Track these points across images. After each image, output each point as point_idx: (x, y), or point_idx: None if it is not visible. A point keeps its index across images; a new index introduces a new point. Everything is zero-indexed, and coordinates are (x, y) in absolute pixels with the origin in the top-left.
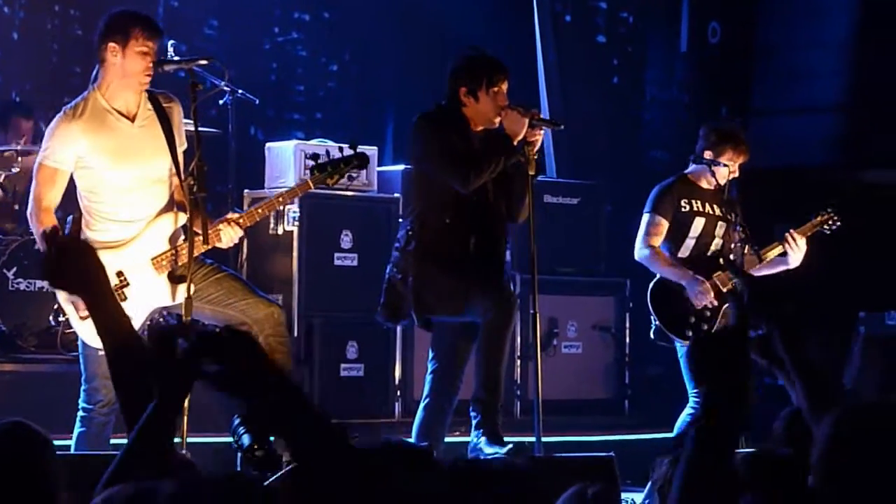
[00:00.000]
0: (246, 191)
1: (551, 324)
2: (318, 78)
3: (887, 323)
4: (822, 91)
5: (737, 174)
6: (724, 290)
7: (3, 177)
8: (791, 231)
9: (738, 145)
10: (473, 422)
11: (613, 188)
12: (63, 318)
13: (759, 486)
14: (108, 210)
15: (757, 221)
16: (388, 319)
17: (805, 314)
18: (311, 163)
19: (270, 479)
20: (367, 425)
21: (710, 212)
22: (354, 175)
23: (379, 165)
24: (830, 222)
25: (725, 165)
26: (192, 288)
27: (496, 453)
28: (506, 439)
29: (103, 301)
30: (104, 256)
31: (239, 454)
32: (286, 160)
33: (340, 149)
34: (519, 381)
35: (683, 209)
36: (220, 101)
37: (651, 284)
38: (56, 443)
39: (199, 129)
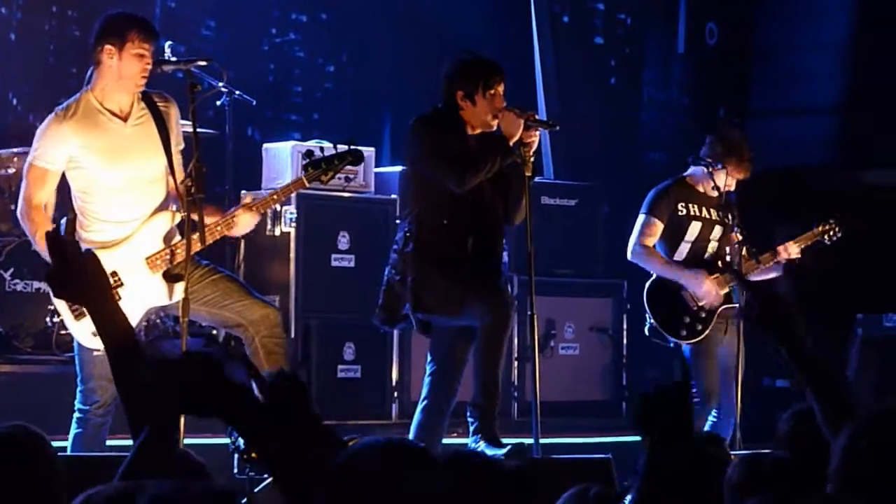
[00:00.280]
0: (243, 192)
1: (549, 325)
2: (316, 79)
3: (885, 325)
4: (820, 92)
5: (732, 188)
6: (722, 292)
7: None
8: (785, 245)
9: (741, 161)
10: (471, 427)
11: (611, 189)
12: (58, 319)
13: (757, 489)
14: (102, 210)
15: (755, 222)
16: (385, 323)
17: (804, 317)
18: (304, 160)
19: (262, 485)
20: (364, 427)
21: (707, 216)
22: (352, 176)
23: (376, 166)
24: (832, 233)
25: (725, 168)
26: (189, 290)
27: (495, 455)
28: (504, 441)
29: (104, 304)
30: (99, 256)
31: (235, 456)
32: (283, 161)
33: (335, 145)
34: (516, 383)
35: (680, 212)
36: (218, 103)
37: (648, 283)
38: (52, 444)
39: (197, 130)
